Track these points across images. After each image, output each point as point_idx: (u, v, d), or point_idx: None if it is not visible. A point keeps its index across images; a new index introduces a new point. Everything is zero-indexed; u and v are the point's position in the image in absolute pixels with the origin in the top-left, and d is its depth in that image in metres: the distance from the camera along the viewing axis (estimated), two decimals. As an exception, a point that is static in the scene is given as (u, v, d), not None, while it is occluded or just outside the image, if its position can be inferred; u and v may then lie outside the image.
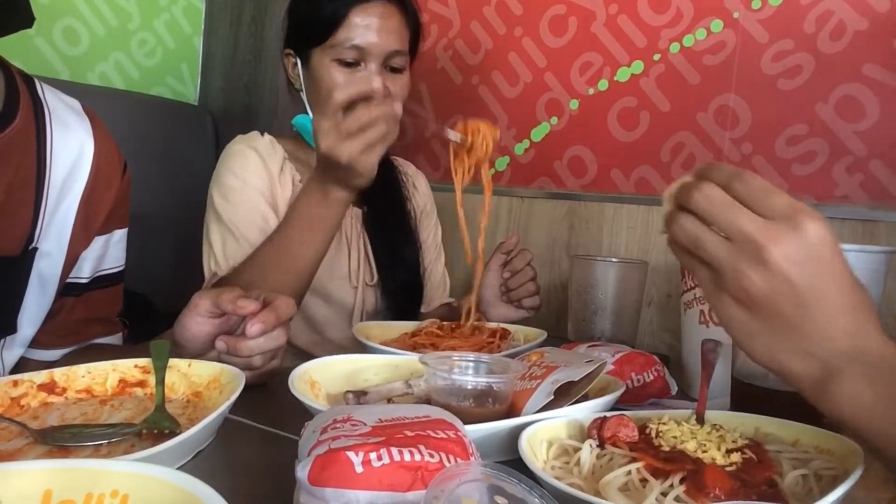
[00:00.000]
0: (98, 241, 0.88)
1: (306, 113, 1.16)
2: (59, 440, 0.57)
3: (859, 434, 0.46)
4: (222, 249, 1.06)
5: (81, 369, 0.69)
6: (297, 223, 0.94)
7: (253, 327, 0.69)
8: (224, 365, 0.69)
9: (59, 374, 0.68)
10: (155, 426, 0.59)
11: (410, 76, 1.16)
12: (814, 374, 0.47)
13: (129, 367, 0.71)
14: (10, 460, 0.53)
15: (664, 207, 0.56)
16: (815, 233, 0.46)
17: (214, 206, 1.09)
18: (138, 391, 0.70)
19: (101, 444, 0.57)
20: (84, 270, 0.87)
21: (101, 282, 0.90)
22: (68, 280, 0.86)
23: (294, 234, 0.94)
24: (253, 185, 1.09)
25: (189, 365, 0.70)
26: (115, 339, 0.95)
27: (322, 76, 1.10)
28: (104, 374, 0.70)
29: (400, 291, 1.21)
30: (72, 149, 0.83)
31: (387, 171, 1.28)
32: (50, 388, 0.67)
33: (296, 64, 1.15)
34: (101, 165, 0.86)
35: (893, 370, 0.45)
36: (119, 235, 0.92)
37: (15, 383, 0.65)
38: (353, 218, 1.21)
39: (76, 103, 0.87)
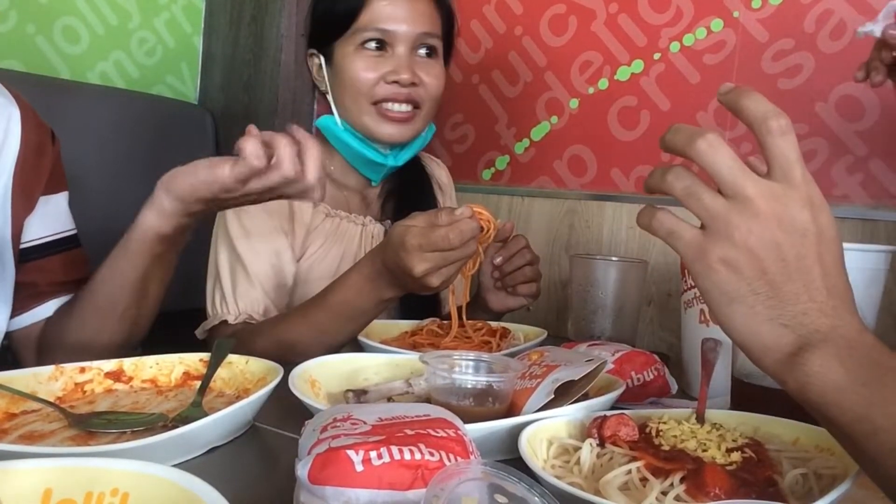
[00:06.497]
0: (42, 203, 0.90)
1: (331, 114, 1.11)
2: (90, 426, 0.58)
3: (821, 412, 0.45)
4: (232, 290, 1.00)
5: (150, 360, 0.72)
6: (337, 310, 0.87)
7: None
8: (274, 363, 0.69)
9: (128, 363, 0.71)
10: (183, 421, 0.58)
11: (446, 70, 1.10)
12: (786, 346, 0.46)
13: (195, 361, 0.73)
14: (35, 443, 0.55)
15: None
16: (814, 210, 0.49)
17: (227, 227, 1.02)
18: (198, 384, 0.70)
19: (124, 432, 0.57)
20: (34, 233, 0.89)
21: (60, 245, 0.92)
22: (23, 245, 0.87)
23: (331, 324, 0.88)
24: (270, 210, 1.02)
25: (247, 362, 0.72)
26: None
27: (346, 66, 1.05)
28: (170, 366, 0.73)
29: (419, 311, 1.11)
30: None
31: (420, 181, 1.20)
32: (116, 376, 0.70)
33: (321, 65, 1.11)
34: (30, 133, 0.87)
35: (867, 352, 0.45)
36: (63, 198, 0.94)
37: (82, 370, 0.69)
38: (375, 237, 1.13)
39: None
